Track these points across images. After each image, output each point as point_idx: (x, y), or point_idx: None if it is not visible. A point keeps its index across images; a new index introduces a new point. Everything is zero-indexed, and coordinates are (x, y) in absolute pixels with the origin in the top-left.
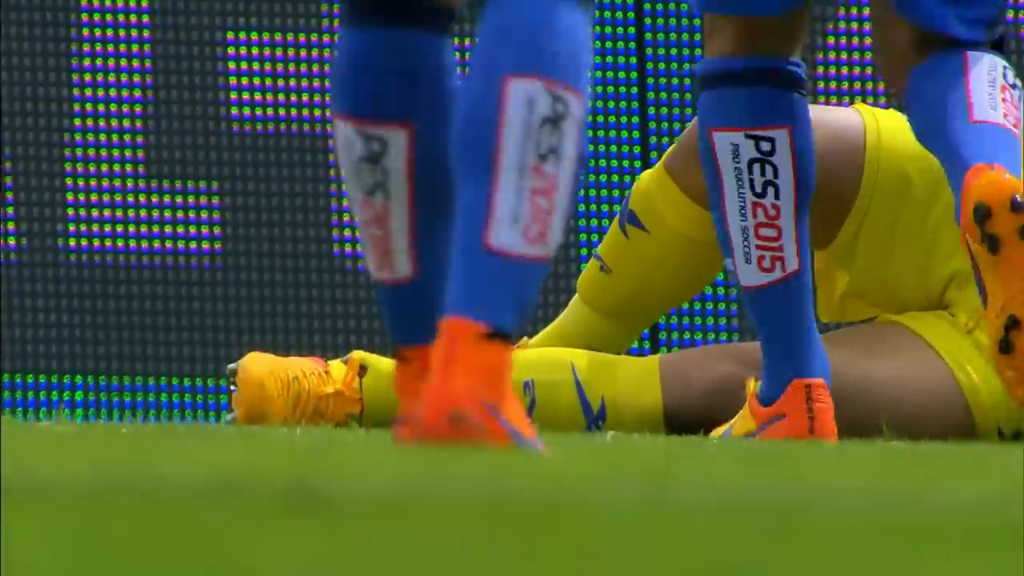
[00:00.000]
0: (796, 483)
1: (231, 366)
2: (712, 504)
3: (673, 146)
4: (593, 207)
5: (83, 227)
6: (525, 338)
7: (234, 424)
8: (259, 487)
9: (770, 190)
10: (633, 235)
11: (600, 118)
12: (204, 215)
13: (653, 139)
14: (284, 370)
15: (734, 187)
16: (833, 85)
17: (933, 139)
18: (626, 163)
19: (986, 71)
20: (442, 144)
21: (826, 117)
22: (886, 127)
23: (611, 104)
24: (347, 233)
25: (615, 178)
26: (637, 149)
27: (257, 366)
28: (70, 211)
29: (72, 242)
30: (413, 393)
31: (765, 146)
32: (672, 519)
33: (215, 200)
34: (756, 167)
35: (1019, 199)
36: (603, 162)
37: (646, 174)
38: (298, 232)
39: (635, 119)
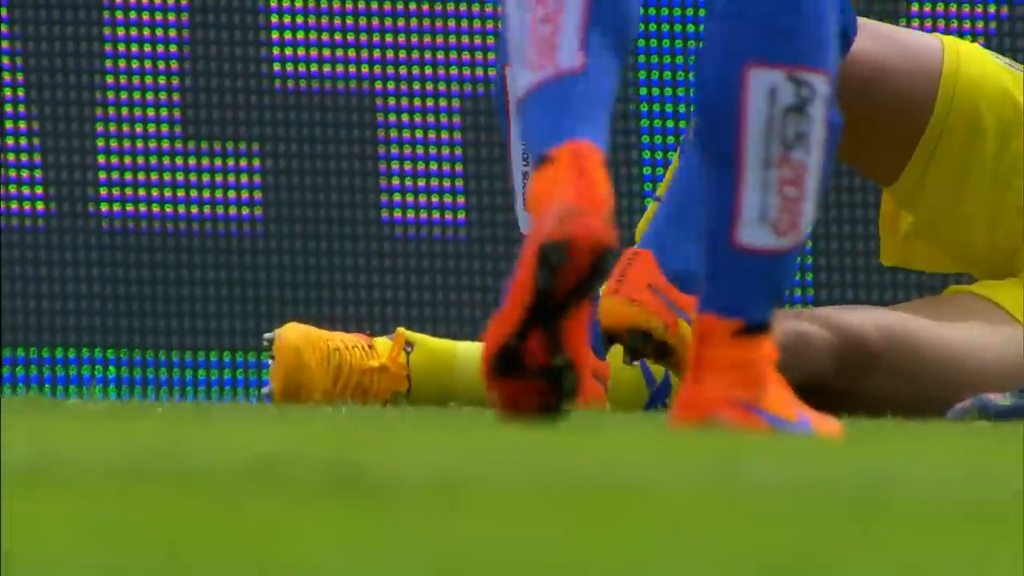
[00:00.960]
0: (875, 464)
1: (267, 336)
2: (784, 487)
3: None
4: (659, 155)
5: (115, 191)
6: None
7: (271, 397)
8: (301, 469)
9: None
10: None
11: (667, 59)
12: (244, 179)
13: None
14: (324, 340)
15: None
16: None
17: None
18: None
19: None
20: None
21: (903, 35)
22: (967, 58)
23: (678, 44)
24: (396, 199)
25: (684, 124)
26: None
27: (294, 334)
28: (101, 175)
29: (104, 207)
30: (550, 197)
31: None
32: (741, 503)
33: (256, 163)
34: None
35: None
36: (669, 107)
37: None
38: (344, 197)
39: None
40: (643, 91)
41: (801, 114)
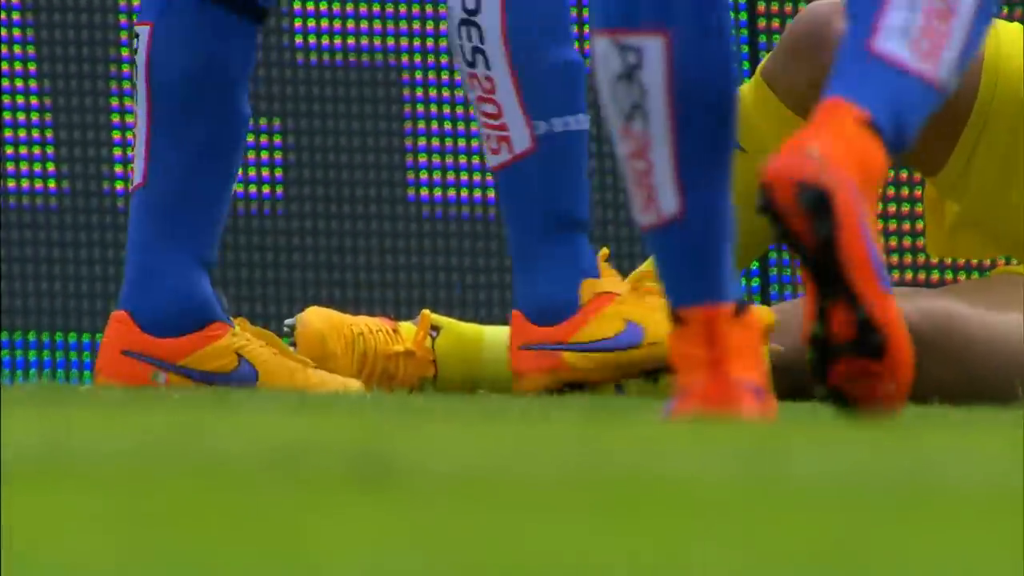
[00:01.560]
0: (922, 454)
1: (289, 321)
2: (825, 478)
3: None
4: None
5: (130, 169)
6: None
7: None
8: (323, 460)
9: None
10: None
11: None
12: (264, 156)
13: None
14: (348, 326)
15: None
16: None
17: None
18: None
19: None
20: (705, 56)
21: None
22: (1007, 40)
23: None
24: (423, 176)
25: None
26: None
27: (318, 320)
28: (116, 151)
29: (119, 185)
30: (690, 363)
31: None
32: (782, 495)
33: (276, 139)
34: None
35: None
36: None
37: (744, 87)
38: (368, 175)
39: (743, 48)
40: None
41: None
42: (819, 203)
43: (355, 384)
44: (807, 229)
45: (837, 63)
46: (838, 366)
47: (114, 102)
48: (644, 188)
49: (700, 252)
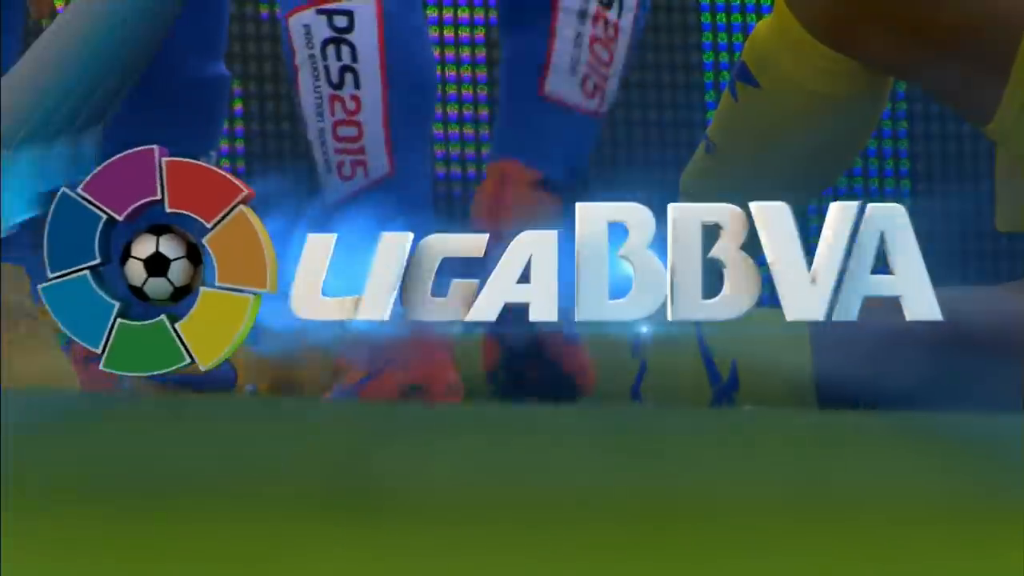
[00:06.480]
0: (988, 475)
1: None
2: (879, 501)
3: None
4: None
5: None
6: None
7: (258, 395)
8: (294, 479)
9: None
10: (744, 95)
11: None
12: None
13: None
14: None
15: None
16: None
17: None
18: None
19: None
20: (414, 25)
21: None
22: None
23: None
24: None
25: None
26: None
27: None
28: None
29: None
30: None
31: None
32: (826, 521)
33: (237, 106)
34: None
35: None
36: (737, 37)
37: (760, 22)
38: None
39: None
40: (707, 37)
41: None
42: None
43: None
44: None
45: (507, 109)
46: None
47: None
48: (350, 154)
49: (407, 211)
